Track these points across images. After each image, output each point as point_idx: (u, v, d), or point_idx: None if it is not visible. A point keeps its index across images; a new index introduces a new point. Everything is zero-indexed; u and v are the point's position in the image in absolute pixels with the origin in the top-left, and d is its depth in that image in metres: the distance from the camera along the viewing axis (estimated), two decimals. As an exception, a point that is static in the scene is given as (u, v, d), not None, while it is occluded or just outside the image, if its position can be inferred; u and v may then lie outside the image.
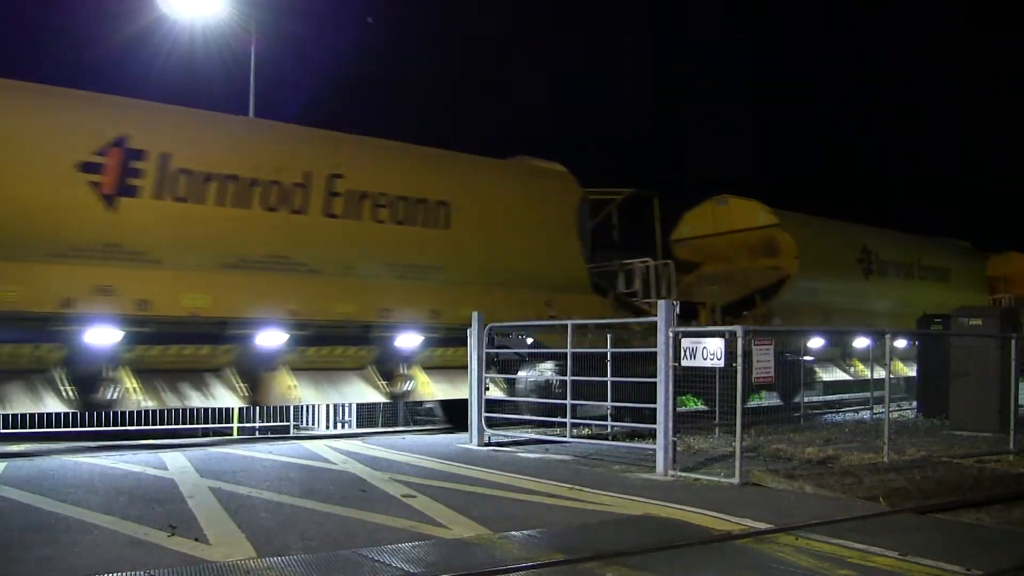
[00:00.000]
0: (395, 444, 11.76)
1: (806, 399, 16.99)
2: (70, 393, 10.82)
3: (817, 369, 19.21)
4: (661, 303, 9.44)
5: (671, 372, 9.32)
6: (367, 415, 16.69)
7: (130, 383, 11.11)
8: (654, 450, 9.47)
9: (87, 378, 10.96)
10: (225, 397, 12.09)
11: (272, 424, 15.53)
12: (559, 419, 12.15)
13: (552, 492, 8.24)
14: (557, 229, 14.83)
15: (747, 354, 9.09)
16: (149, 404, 11.38)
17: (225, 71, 19.64)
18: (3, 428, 14.08)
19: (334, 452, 10.80)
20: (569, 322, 11.68)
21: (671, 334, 9.31)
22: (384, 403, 15.30)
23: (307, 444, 11.69)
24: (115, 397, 11.05)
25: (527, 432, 12.88)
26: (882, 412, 11.52)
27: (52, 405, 10.81)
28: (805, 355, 16.95)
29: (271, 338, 12.02)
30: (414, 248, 13.09)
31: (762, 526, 6.87)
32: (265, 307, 11.64)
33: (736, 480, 8.72)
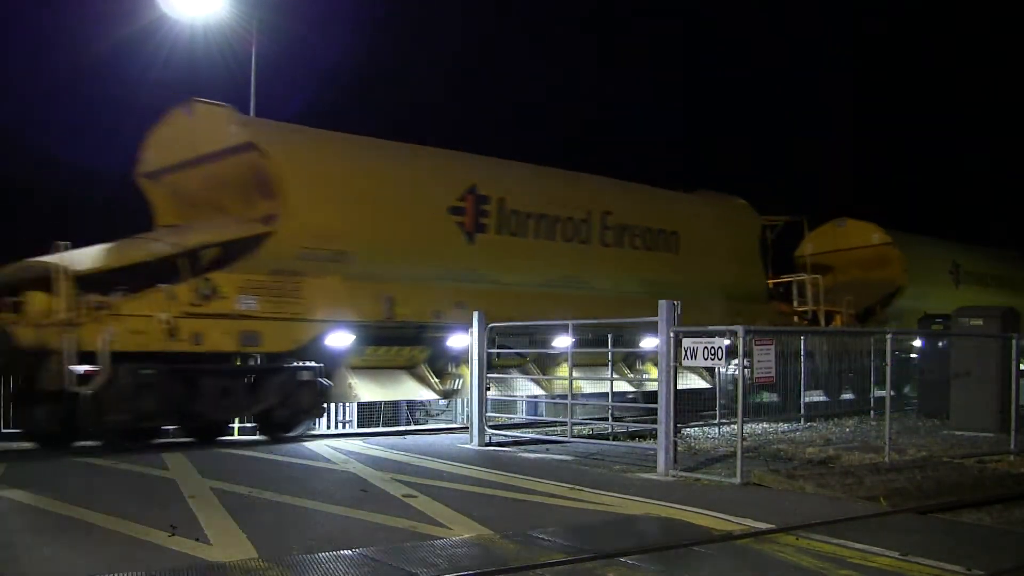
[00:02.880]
0: (396, 444, 11.75)
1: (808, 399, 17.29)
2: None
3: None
4: (662, 303, 9.42)
5: (672, 372, 9.32)
6: (367, 415, 16.69)
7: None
8: (655, 450, 9.46)
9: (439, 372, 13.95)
10: (531, 387, 14.82)
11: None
12: (559, 419, 12.23)
13: (553, 492, 8.23)
14: (746, 251, 18.32)
15: (748, 354, 9.09)
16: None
17: (225, 71, 19.65)
18: (3, 428, 14.09)
19: (335, 452, 10.80)
20: (570, 322, 11.71)
21: (672, 334, 9.31)
22: (385, 402, 16.35)
23: (308, 444, 11.68)
24: (458, 387, 13.98)
25: (528, 432, 12.89)
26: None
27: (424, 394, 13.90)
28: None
29: (561, 341, 13.54)
30: (656, 268, 16.36)
31: (763, 526, 6.87)
32: (560, 317, 12.77)
33: (737, 480, 8.71)
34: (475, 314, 11.95)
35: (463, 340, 13.41)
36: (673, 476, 9.15)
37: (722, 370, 13.35)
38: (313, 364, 12.38)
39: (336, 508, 7.33)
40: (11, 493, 7.83)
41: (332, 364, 12.69)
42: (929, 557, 6.01)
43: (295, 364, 12.23)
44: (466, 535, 6.47)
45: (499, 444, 11.75)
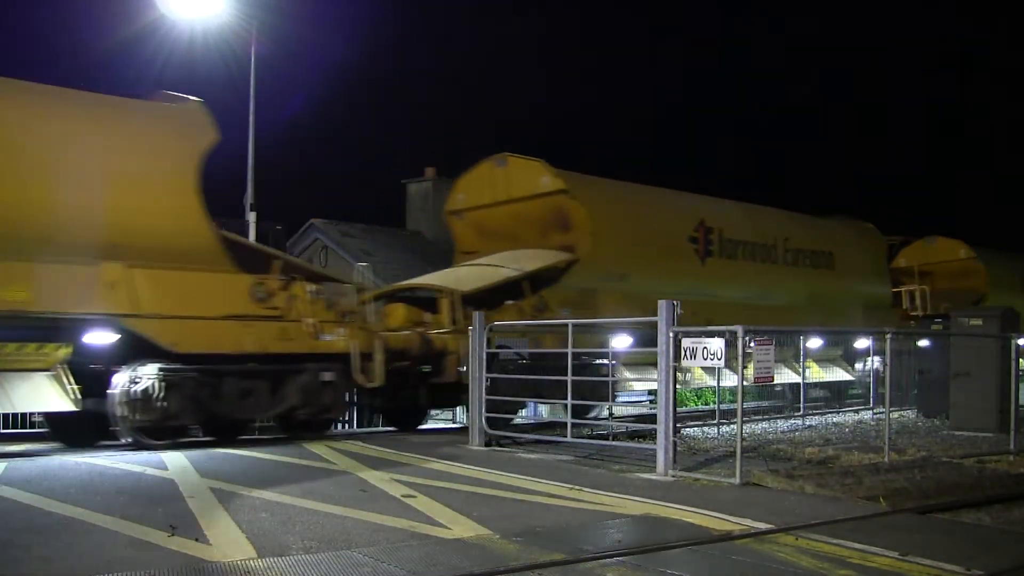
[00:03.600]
0: (395, 444, 11.75)
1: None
2: None
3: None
4: (661, 303, 9.42)
5: (671, 372, 9.32)
6: (366, 414, 16.67)
7: None
8: (654, 450, 9.47)
9: None
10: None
11: (272, 424, 15.48)
12: (559, 419, 12.26)
13: (552, 492, 8.24)
14: (875, 267, 21.58)
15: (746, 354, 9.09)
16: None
17: (225, 71, 19.66)
18: (3, 428, 14.10)
19: (334, 452, 10.80)
20: (569, 322, 11.71)
21: (671, 334, 9.31)
22: None
23: (307, 444, 11.68)
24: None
25: (527, 432, 12.89)
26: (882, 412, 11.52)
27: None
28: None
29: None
30: (818, 283, 19.59)
31: (762, 526, 6.87)
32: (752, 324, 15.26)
33: (736, 480, 8.72)
34: (475, 314, 11.95)
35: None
36: (673, 476, 9.16)
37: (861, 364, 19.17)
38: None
39: (336, 508, 7.33)
40: (11, 493, 7.83)
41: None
42: (928, 557, 6.01)
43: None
44: (466, 535, 6.47)
45: (499, 444, 11.75)
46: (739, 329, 8.90)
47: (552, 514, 7.33)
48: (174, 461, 9.81)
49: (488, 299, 13.89)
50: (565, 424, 12.02)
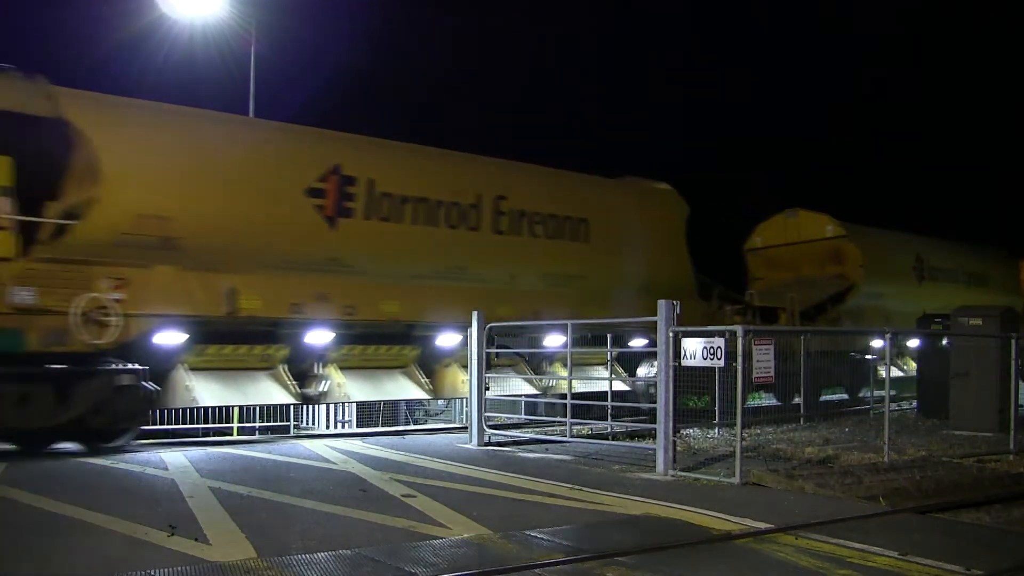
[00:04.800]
0: (395, 444, 11.75)
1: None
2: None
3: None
4: (661, 303, 9.42)
5: (671, 372, 9.32)
6: (366, 415, 16.67)
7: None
8: (654, 450, 9.46)
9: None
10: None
11: (272, 424, 15.51)
12: (559, 419, 12.23)
13: (552, 492, 8.23)
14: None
15: (747, 354, 9.08)
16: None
17: (225, 71, 19.65)
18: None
19: (334, 452, 10.80)
20: (569, 322, 11.71)
21: (671, 334, 9.31)
22: (383, 402, 15.95)
23: (307, 444, 11.68)
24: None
25: (527, 432, 12.89)
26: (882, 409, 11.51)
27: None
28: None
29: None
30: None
31: (762, 526, 6.87)
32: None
33: (736, 480, 8.72)
34: (475, 313, 11.95)
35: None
36: (672, 476, 9.15)
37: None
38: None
39: (335, 508, 7.33)
40: (11, 493, 7.83)
41: None
42: (928, 557, 6.02)
43: None
44: (465, 535, 6.47)
45: (498, 444, 11.75)
46: (739, 329, 8.91)
47: (552, 514, 7.33)
48: (174, 461, 9.82)
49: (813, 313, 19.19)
50: (564, 423, 12.02)
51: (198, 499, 7.66)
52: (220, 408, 14.41)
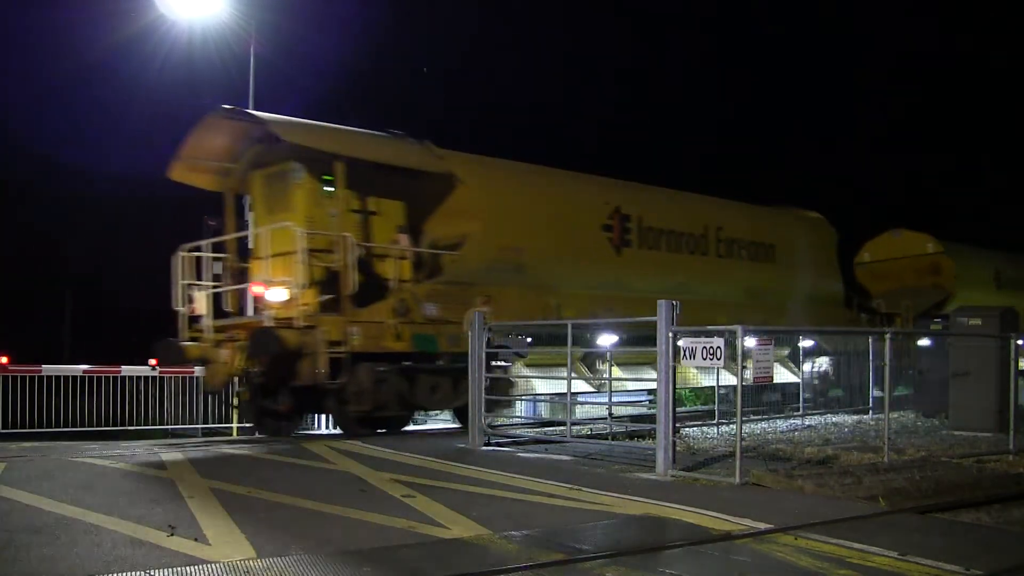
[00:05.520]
0: (395, 444, 11.75)
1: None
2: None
3: None
4: (661, 303, 9.41)
5: (671, 372, 9.32)
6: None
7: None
8: (654, 450, 9.47)
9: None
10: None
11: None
12: (559, 419, 12.28)
13: (552, 492, 8.24)
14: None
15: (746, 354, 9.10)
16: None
17: (224, 71, 19.65)
18: (3, 428, 14.11)
19: (334, 452, 10.80)
20: (569, 322, 11.71)
21: (670, 334, 9.31)
22: None
23: (307, 444, 11.69)
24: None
25: (527, 432, 12.90)
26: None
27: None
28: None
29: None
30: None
31: (762, 526, 6.87)
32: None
33: (736, 480, 8.72)
34: (475, 314, 11.95)
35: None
36: (672, 476, 9.16)
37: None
38: None
39: (335, 508, 7.34)
40: (11, 493, 7.83)
41: None
42: (928, 557, 6.02)
43: None
44: (465, 535, 6.48)
45: (498, 444, 11.75)
46: (739, 329, 8.91)
47: (552, 514, 7.34)
48: (174, 461, 9.82)
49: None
50: (564, 423, 12.02)
51: (198, 499, 7.66)
52: (220, 408, 14.47)
